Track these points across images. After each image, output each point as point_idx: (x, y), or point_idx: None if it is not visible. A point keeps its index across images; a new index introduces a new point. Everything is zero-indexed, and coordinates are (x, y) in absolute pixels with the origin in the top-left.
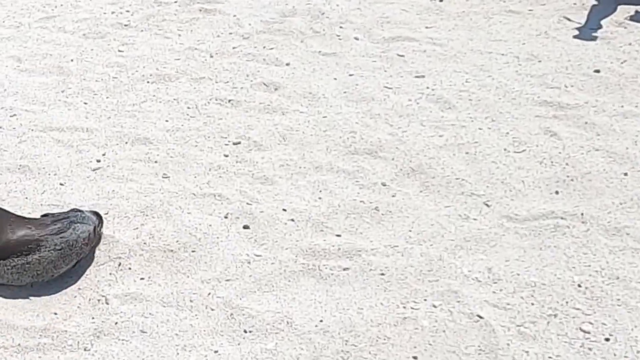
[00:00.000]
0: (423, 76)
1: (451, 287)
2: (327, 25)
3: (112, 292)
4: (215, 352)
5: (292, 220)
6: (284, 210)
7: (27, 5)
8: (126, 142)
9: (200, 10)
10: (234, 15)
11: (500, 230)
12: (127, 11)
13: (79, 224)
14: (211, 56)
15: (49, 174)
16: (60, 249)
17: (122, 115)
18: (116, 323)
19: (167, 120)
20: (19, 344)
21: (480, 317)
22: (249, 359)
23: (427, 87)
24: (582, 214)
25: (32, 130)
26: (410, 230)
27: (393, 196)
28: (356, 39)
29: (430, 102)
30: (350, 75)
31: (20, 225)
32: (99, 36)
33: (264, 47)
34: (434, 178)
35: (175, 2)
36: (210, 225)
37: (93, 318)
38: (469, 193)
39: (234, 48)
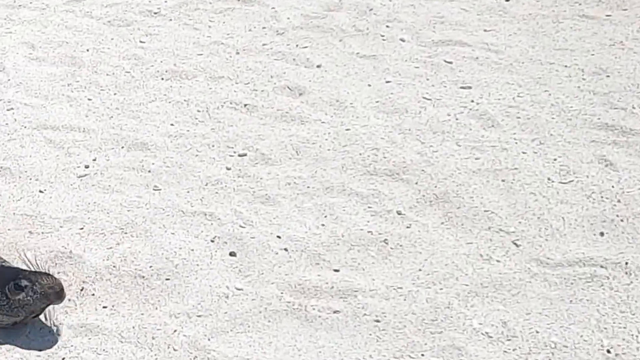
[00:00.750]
0: (470, 87)
1: (455, 342)
2: (373, 23)
3: (68, 320)
4: None
5: (285, 249)
6: (279, 237)
7: None
8: (122, 147)
9: (239, 0)
10: (273, 7)
11: (527, 275)
12: None
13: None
14: (237, 53)
15: (31, 179)
16: None
17: (125, 115)
18: (63, 359)
19: (172, 124)
20: None
21: None
22: None
23: (472, 101)
24: (626, 263)
25: (25, 127)
26: (419, 270)
27: (407, 227)
28: (402, 40)
29: (472, 118)
30: (387, 82)
31: None
32: (124, 24)
33: (297, 45)
34: (459, 208)
35: None
36: (192, 250)
37: (40, 350)
38: (496, 229)
39: (263, 45)
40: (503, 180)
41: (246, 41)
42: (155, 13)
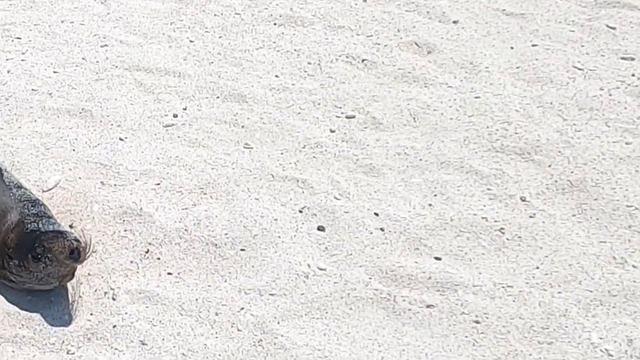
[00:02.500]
0: (632, 59)
1: (567, 356)
2: None
3: (126, 285)
4: None
5: (382, 229)
6: (376, 214)
7: None
8: (217, 97)
9: None
10: None
11: None
12: None
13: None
14: (364, 0)
15: (112, 125)
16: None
17: (227, 62)
18: (114, 326)
19: (276, 76)
20: None
21: None
22: None
23: (633, 74)
24: None
25: (117, 67)
26: (537, 268)
27: (531, 217)
28: None
29: (629, 95)
30: (533, 45)
31: None
32: None
33: None
34: (596, 200)
35: None
36: (275, 220)
37: (91, 314)
38: (639, 229)
39: None
40: None
41: None
42: None
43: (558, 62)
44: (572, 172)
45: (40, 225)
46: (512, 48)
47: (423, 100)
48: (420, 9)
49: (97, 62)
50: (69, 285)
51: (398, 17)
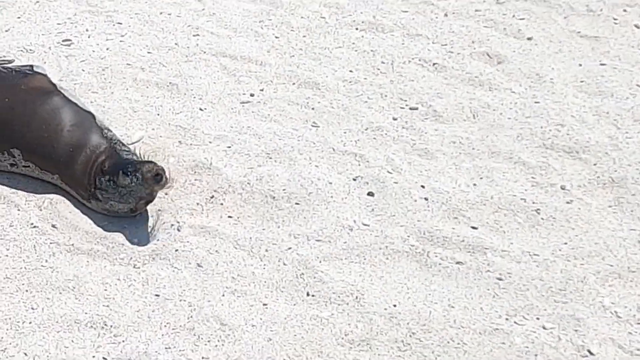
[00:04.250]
0: None
1: (577, 313)
2: (609, 6)
3: (190, 221)
4: (264, 305)
5: (426, 199)
6: (422, 187)
7: None
8: (293, 83)
9: None
10: None
11: None
12: None
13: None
14: (445, 15)
15: (194, 97)
16: None
17: (307, 56)
18: (176, 250)
19: (350, 71)
20: (72, 244)
21: (591, 354)
22: (294, 321)
23: None
24: None
25: (204, 52)
26: (565, 243)
27: (568, 202)
28: (636, 26)
29: None
30: (602, 64)
31: None
32: None
33: (514, 16)
34: (634, 195)
35: None
36: (330, 183)
37: (158, 240)
38: None
39: (476, 11)
40: None
41: (459, 5)
42: None
43: (622, 80)
44: (615, 171)
45: (131, 155)
46: (580, 65)
47: (485, 100)
48: (498, 25)
49: (188, 47)
50: (141, 216)
51: (475, 31)
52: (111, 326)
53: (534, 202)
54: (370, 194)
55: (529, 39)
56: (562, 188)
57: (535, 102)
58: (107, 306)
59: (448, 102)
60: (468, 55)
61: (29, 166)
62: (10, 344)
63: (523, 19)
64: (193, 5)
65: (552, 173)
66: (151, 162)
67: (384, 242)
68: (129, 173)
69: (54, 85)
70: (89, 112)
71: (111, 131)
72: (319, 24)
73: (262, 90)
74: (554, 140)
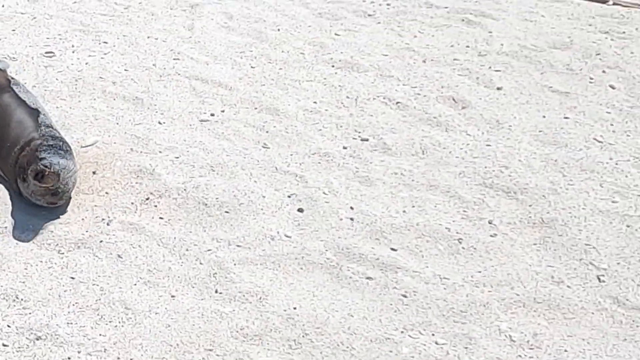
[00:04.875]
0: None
1: (472, 333)
2: (590, 67)
3: (121, 217)
4: (172, 296)
5: (352, 219)
6: (352, 208)
7: None
8: (255, 108)
9: (463, 20)
10: (490, 32)
11: (592, 307)
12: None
13: None
14: (423, 61)
15: (156, 112)
16: None
17: (276, 86)
18: (101, 241)
19: (314, 102)
20: (5, 227)
21: None
22: (196, 312)
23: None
24: None
25: (179, 74)
26: (479, 272)
27: (492, 236)
28: (612, 87)
29: (636, 168)
30: (565, 117)
31: None
32: (332, 17)
33: (490, 68)
34: (560, 236)
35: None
36: (263, 197)
37: (86, 231)
38: (587, 261)
39: (454, 60)
40: (628, 226)
41: (440, 54)
42: (369, 15)
43: (580, 133)
44: (548, 213)
45: (43, 154)
46: (543, 117)
47: (437, 139)
48: (472, 75)
49: (164, 68)
50: (74, 207)
51: (447, 77)
52: (22, 299)
53: (457, 232)
54: (300, 210)
55: (498, 88)
56: (490, 222)
57: (487, 145)
58: (23, 282)
59: (400, 137)
60: (434, 97)
61: None
62: None
63: (499, 70)
64: (182, 33)
65: (484, 209)
66: (37, 161)
67: (301, 253)
68: (23, 178)
69: (8, 81)
70: (35, 109)
71: (51, 127)
72: (297, 59)
73: (223, 111)
74: (494, 180)
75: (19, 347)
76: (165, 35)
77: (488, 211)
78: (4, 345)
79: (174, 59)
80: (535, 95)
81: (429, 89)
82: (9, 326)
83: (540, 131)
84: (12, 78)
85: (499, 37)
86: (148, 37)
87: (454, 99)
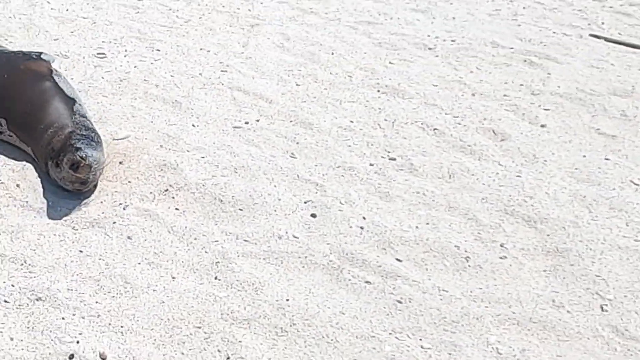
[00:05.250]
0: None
1: (459, 342)
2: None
3: (138, 204)
4: (173, 278)
5: (361, 227)
6: (364, 218)
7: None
8: (290, 121)
9: (524, 62)
10: (549, 73)
11: (589, 333)
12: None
13: None
14: (473, 95)
15: (192, 115)
16: None
17: (316, 103)
18: (114, 223)
19: (351, 121)
20: (27, 201)
21: None
22: (191, 294)
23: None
24: None
25: (222, 84)
26: (480, 289)
27: (501, 258)
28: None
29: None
30: (606, 159)
31: None
32: (391, 48)
33: (539, 106)
34: (572, 266)
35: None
36: (279, 200)
37: (102, 213)
38: (594, 291)
39: (504, 96)
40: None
41: (491, 89)
42: (429, 48)
43: (618, 174)
44: (564, 243)
45: (78, 144)
46: (584, 156)
47: (467, 166)
48: (518, 111)
49: (209, 78)
50: (99, 191)
51: (492, 111)
52: (29, 264)
53: (466, 251)
54: (313, 215)
55: (542, 125)
56: (501, 245)
57: (517, 176)
58: (34, 250)
59: (429, 160)
60: (474, 128)
61: (12, 136)
62: None
63: (548, 109)
64: (235, 49)
65: (499, 233)
66: (73, 150)
67: (305, 253)
68: (57, 163)
69: (51, 71)
70: (72, 99)
71: (85, 117)
72: (343, 81)
73: (257, 120)
74: (516, 208)
75: (19, 305)
76: (218, 49)
77: (503, 235)
78: (5, 301)
79: (222, 71)
80: (579, 135)
81: (470, 119)
82: (12, 286)
83: (576, 169)
84: (55, 70)
85: (558, 79)
86: (200, 49)
87: (493, 131)
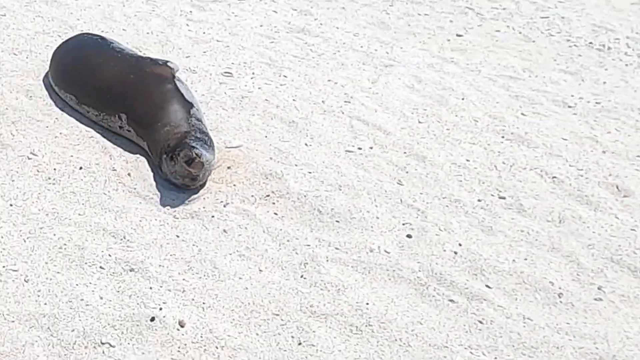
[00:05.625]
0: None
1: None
2: None
3: (238, 204)
4: (260, 270)
5: (455, 252)
6: (460, 244)
7: None
8: (404, 152)
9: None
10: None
11: None
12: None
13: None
14: (604, 152)
15: (307, 136)
16: None
17: (434, 140)
18: (213, 216)
19: (467, 160)
20: (135, 189)
21: None
22: (275, 285)
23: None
24: None
25: (343, 113)
26: (568, 323)
27: (596, 300)
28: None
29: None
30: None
31: None
32: (527, 101)
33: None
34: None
35: None
36: (377, 218)
37: (204, 207)
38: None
39: (637, 156)
40: None
41: (625, 149)
42: (568, 106)
43: None
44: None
45: (193, 143)
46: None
47: (580, 214)
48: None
49: (331, 106)
50: (200, 189)
51: (621, 169)
52: (128, 240)
53: (560, 288)
54: (408, 236)
55: (623, 194)
56: (599, 288)
57: (632, 230)
58: (134, 229)
59: (541, 204)
60: (596, 182)
61: (130, 131)
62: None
63: None
64: (363, 84)
65: (600, 278)
66: (190, 148)
67: (394, 267)
68: (172, 157)
69: (173, 76)
70: (190, 103)
71: (200, 121)
72: (468, 124)
73: (371, 148)
74: (623, 257)
75: (113, 273)
76: (346, 82)
77: (603, 280)
78: (101, 267)
79: (345, 102)
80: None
81: (594, 173)
82: (109, 256)
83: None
84: (177, 76)
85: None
86: (328, 80)
87: (617, 187)
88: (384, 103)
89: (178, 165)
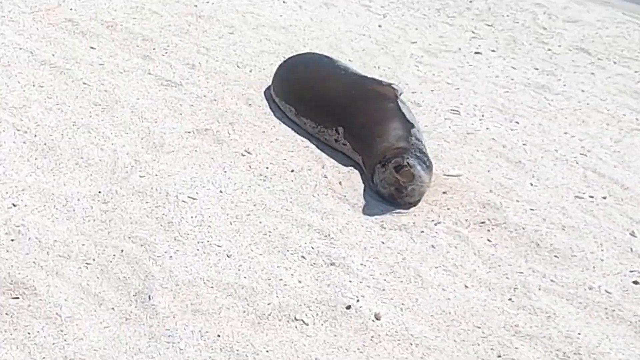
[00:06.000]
0: None
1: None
2: None
3: (450, 225)
4: (465, 287)
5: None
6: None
7: None
8: (639, 204)
9: None
10: None
11: None
12: None
13: None
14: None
15: (532, 176)
16: None
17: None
18: (422, 232)
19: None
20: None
21: None
22: (477, 301)
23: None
24: None
25: (576, 163)
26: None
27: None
28: None
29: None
30: None
31: None
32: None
33: None
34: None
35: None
36: (602, 260)
37: (413, 223)
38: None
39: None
40: None
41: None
42: None
43: None
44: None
45: (410, 157)
46: None
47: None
48: None
49: (564, 155)
50: (412, 208)
51: None
52: (332, 238)
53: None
54: (635, 282)
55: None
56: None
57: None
58: (339, 230)
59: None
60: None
61: (346, 144)
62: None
63: None
64: (604, 141)
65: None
66: (403, 157)
67: (615, 307)
68: (383, 164)
69: (396, 97)
70: (411, 123)
71: (421, 142)
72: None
73: (604, 197)
74: None
75: (314, 264)
76: (585, 137)
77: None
78: (302, 257)
79: (581, 154)
80: None
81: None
82: (312, 248)
83: None
84: (401, 98)
85: None
86: (564, 133)
87: None
88: (626, 161)
89: (387, 171)
